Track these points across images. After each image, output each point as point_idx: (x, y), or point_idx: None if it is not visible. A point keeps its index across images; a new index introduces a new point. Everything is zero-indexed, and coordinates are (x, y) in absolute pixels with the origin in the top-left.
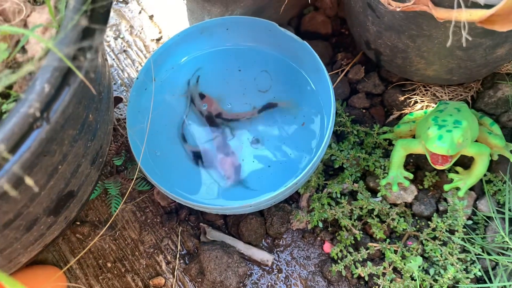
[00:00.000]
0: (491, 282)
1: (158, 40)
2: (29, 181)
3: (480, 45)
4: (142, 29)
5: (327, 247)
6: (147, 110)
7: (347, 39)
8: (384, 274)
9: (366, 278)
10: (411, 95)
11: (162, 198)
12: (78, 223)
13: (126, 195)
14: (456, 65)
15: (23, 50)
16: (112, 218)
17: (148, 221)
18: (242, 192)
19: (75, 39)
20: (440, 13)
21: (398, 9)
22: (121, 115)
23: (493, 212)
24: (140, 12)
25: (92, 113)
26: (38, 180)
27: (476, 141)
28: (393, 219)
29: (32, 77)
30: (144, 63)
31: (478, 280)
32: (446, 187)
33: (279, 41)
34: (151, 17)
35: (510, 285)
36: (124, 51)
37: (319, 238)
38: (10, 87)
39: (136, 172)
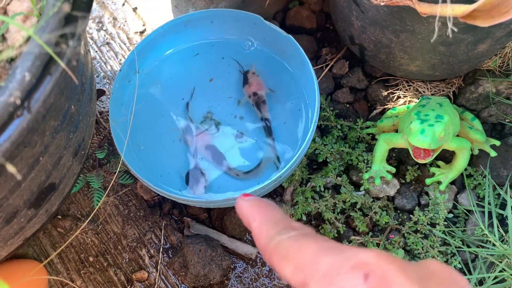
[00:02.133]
0: (470, 274)
1: (141, 32)
2: (11, 168)
3: (462, 41)
4: (125, 21)
5: None
6: (130, 103)
7: (332, 34)
8: None
9: None
10: (394, 90)
11: (145, 191)
12: (60, 217)
13: (109, 188)
14: (439, 61)
15: (3, 38)
16: (94, 212)
17: (131, 215)
18: (226, 185)
19: (56, 26)
20: (424, 8)
21: (382, 4)
22: (104, 108)
23: (473, 206)
24: (123, 4)
25: (74, 104)
26: (19, 171)
27: (458, 135)
28: (375, 213)
29: (12, 66)
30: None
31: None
32: (428, 181)
33: (264, 35)
34: (134, 9)
35: (489, 277)
36: (107, 43)
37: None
38: None
39: (119, 166)
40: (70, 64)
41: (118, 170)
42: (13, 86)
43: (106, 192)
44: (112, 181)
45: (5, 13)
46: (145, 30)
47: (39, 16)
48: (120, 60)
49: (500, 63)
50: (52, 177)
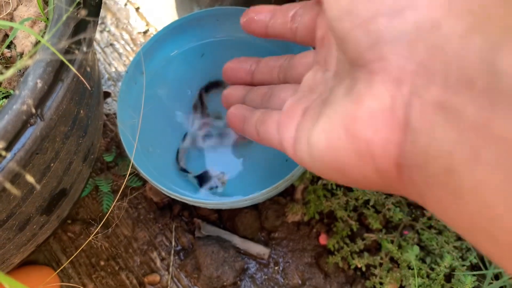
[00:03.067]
0: (486, 269)
1: (145, 32)
2: (29, 178)
3: None
4: (128, 21)
5: (323, 238)
6: (137, 104)
7: None
8: (381, 264)
9: (363, 269)
10: None
11: (154, 194)
12: (69, 221)
13: (120, 192)
14: None
15: (11, 45)
16: (106, 216)
17: (141, 217)
18: (238, 186)
19: (67, 32)
20: None
21: None
22: (110, 110)
23: None
24: (126, 4)
25: (83, 108)
26: (31, 178)
27: None
28: (388, 209)
29: (22, 73)
30: (133, 56)
31: (473, 267)
32: None
33: None
34: (137, 9)
35: (505, 272)
36: (111, 44)
37: (314, 230)
38: None
39: (129, 168)
40: (81, 70)
41: (128, 172)
42: (25, 94)
43: (117, 197)
44: (123, 185)
45: (11, 19)
46: (148, 30)
47: (47, 21)
48: (125, 61)
49: None
50: (63, 183)
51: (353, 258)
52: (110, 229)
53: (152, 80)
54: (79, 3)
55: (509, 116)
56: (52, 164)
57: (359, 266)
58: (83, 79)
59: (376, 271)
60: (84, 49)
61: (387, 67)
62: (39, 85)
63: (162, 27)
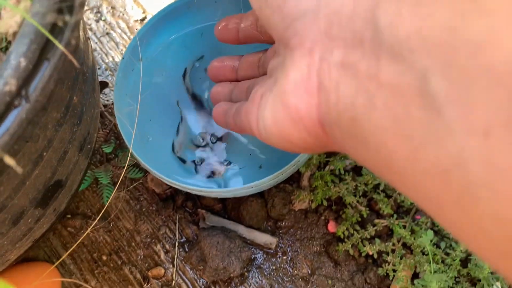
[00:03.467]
0: None
1: (142, 20)
2: (8, 160)
3: None
4: (124, 9)
5: (331, 226)
6: (135, 92)
7: None
8: (393, 250)
9: (375, 256)
10: None
11: (156, 185)
12: (69, 216)
13: (118, 183)
14: None
15: None
16: (105, 208)
17: (143, 209)
18: (242, 173)
19: (53, 7)
20: None
21: None
22: (108, 101)
23: None
24: None
25: (77, 95)
26: (22, 168)
27: None
28: (399, 193)
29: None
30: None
31: None
32: None
33: None
34: None
35: None
36: (107, 33)
37: (322, 218)
38: None
39: (128, 159)
40: (69, 49)
41: (127, 164)
42: (8, 73)
43: (116, 187)
44: (122, 176)
45: None
46: (145, 17)
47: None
48: (121, 50)
49: None
50: (58, 174)
51: (364, 245)
52: (110, 222)
53: (150, 66)
54: None
55: (391, 64)
56: (44, 153)
57: (370, 253)
58: (71, 56)
59: (389, 258)
60: (73, 25)
61: (301, 41)
62: (23, 63)
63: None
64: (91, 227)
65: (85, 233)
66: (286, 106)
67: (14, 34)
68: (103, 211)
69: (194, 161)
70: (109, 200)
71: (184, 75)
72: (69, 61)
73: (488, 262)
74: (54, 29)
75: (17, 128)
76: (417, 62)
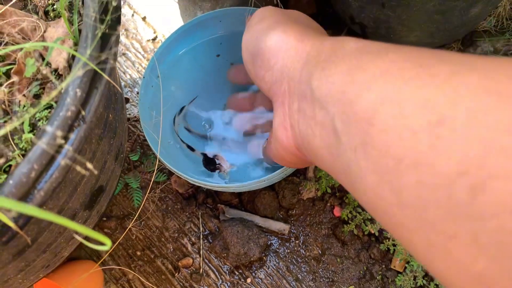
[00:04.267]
0: None
1: (153, 39)
2: (89, 165)
3: (455, 8)
4: (137, 31)
5: (337, 211)
6: (154, 104)
7: (332, 17)
8: None
9: (377, 234)
10: None
11: (179, 185)
12: (105, 218)
13: (150, 186)
14: (436, 29)
15: (47, 63)
16: (139, 210)
17: (169, 208)
18: (253, 167)
19: (97, 46)
20: None
21: None
22: (129, 114)
23: None
24: (132, 15)
25: (111, 112)
26: (75, 176)
27: None
28: None
29: (53, 87)
30: (144, 62)
31: None
32: None
33: None
34: (143, 18)
35: None
36: (123, 54)
37: (328, 204)
38: (37, 96)
39: (156, 164)
40: (111, 77)
41: (155, 168)
42: (68, 102)
43: (148, 191)
44: (152, 180)
45: (43, 40)
46: (156, 37)
47: (74, 39)
48: (138, 68)
49: (495, 23)
50: (100, 180)
51: (366, 225)
52: (141, 222)
53: (164, 80)
54: (102, 20)
55: (319, 110)
56: (91, 163)
57: (372, 231)
58: (115, 85)
59: (389, 234)
60: (112, 58)
61: (277, 97)
62: (79, 93)
63: (169, 32)
64: (132, 223)
65: (126, 230)
66: (276, 138)
67: (64, 68)
68: (138, 212)
69: (204, 157)
70: (143, 202)
71: (179, 114)
72: (108, 86)
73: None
74: (99, 62)
75: (78, 144)
76: (330, 110)
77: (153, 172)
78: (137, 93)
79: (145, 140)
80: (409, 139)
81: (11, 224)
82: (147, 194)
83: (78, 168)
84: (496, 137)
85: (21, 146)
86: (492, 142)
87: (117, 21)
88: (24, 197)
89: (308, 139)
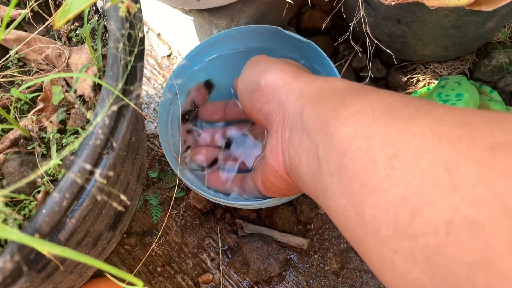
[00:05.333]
0: None
1: (168, 56)
2: (123, 197)
3: (470, 23)
4: (152, 47)
5: None
6: (172, 122)
7: (346, 31)
8: None
9: None
10: (412, 75)
11: (197, 201)
12: (125, 235)
13: (171, 204)
14: (451, 43)
15: (70, 89)
16: (163, 227)
17: (188, 224)
18: None
19: (122, 74)
20: (432, 2)
21: (393, 3)
22: (147, 131)
23: None
24: (147, 32)
25: (134, 134)
26: (101, 201)
27: (478, 109)
28: None
29: (78, 112)
30: (160, 79)
31: None
32: None
33: (286, 42)
34: (158, 35)
35: None
36: None
37: None
38: (63, 122)
39: (177, 181)
40: (137, 104)
41: (176, 184)
42: (97, 131)
43: (170, 207)
44: (173, 197)
45: (67, 66)
46: (171, 53)
47: (98, 65)
48: (153, 84)
49: (509, 34)
50: (123, 201)
51: None
52: (161, 238)
53: (181, 98)
54: (127, 51)
55: (306, 139)
56: (115, 186)
57: None
58: (141, 111)
59: None
60: (137, 87)
61: (272, 127)
62: (107, 122)
63: (183, 48)
64: (155, 242)
65: (151, 248)
66: (267, 163)
67: (89, 94)
68: (161, 229)
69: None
70: (165, 220)
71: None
72: (134, 111)
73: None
74: (125, 91)
75: (107, 171)
76: (314, 139)
77: (172, 188)
78: (154, 109)
79: (163, 156)
80: (372, 168)
81: (45, 253)
82: (169, 211)
83: (112, 202)
84: (432, 171)
85: (49, 172)
86: (428, 175)
87: (142, 52)
88: (56, 225)
89: (295, 164)
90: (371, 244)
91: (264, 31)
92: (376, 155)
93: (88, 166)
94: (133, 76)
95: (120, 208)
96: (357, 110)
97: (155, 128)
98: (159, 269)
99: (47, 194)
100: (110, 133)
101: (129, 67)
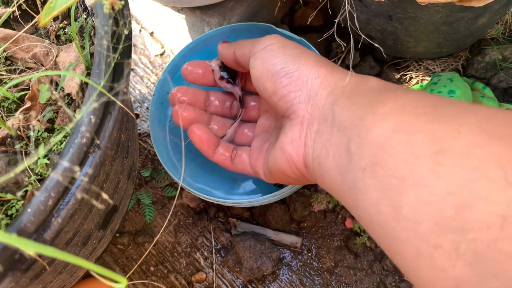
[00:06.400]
0: None
1: (161, 54)
2: (104, 196)
3: (462, 19)
4: (145, 46)
5: (348, 223)
6: (165, 120)
7: (338, 28)
8: None
9: None
10: (405, 72)
11: (190, 200)
12: (118, 235)
13: (173, 205)
14: (443, 39)
15: (57, 87)
16: (164, 226)
17: (181, 223)
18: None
19: (109, 71)
20: None
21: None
22: (139, 130)
23: None
24: (140, 31)
25: (123, 133)
26: (88, 200)
27: None
28: None
29: (66, 112)
30: (153, 77)
31: None
32: None
33: None
34: (151, 33)
35: None
36: (132, 69)
37: (340, 216)
38: (51, 121)
39: (181, 181)
40: (124, 102)
41: (163, 185)
42: (83, 129)
43: (173, 207)
44: (175, 199)
45: (55, 64)
46: (164, 52)
47: (86, 63)
48: (146, 83)
49: (502, 30)
50: (114, 200)
51: None
52: (154, 237)
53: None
54: (114, 49)
55: (337, 133)
56: (104, 185)
57: None
58: (128, 110)
59: None
60: (124, 84)
61: (296, 115)
62: (93, 120)
63: (176, 47)
64: (151, 246)
65: (148, 249)
66: (284, 152)
67: (76, 92)
68: (162, 228)
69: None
70: (168, 218)
71: None
72: (121, 110)
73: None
74: (112, 88)
75: (93, 171)
76: (346, 133)
77: (165, 187)
78: (147, 108)
79: (155, 155)
80: (413, 162)
81: (31, 253)
82: (170, 213)
83: (93, 200)
84: (483, 166)
85: (36, 171)
86: (480, 170)
87: (129, 49)
88: (42, 225)
89: (320, 158)
90: (406, 238)
91: (255, 28)
92: (419, 150)
93: (73, 166)
94: (119, 73)
95: (101, 207)
96: (397, 106)
97: (148, 127)
98: (152, 268)
99: (33, 193)
100: (95, 131)
101: (113, 64)
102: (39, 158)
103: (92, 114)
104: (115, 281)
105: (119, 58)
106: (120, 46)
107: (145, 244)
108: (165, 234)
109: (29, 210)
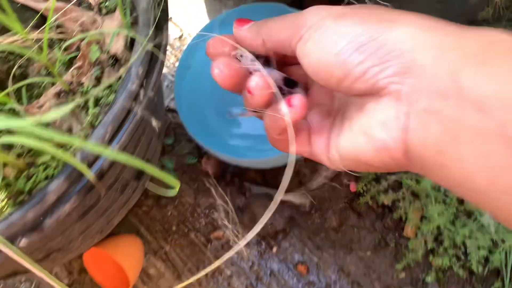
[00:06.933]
0: None
1: (180, 37)
2: (155, 123)
3: None
4: None
5: (353, 186)
6: (187, 94)
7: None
8: (403, 198)
9: (390, 205)
10: None
11: (209, 166)
12: (143, 198)
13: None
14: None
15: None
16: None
17: (200, 188)
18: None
19: (151, 31)
20: None
21: None
22: None
23: None
24: None
25: (156, 95)
26: (128, 150)
27: None
28: None
29: (111, 70)
30: (172, 59)
31: None
32: None
33: None
34: (170, 18)
35: None
36: None
37: (345, 180)
38: (98, 78)
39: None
40: (164, 55)
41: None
42: (133, 78)
43: (184, 172)
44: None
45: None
46: (182, 35)
47: (128, 30)
48: (166, 63)
49: (492, 12)
50: (147, 154)
51: (380, 196)
52: (175, 200)
53: (197, 71)
54: (154, 10)
55: (473, 113)
56: (141, 137)
57: (386, 203)
58: (162, 56)
59: (400, 204)
60: (164, 42)
61: (389, 92)
62: (140, 71)
63: (194, 30)
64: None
65: (170, 210)
66: (370, 137)
67: (121, 53)
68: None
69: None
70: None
71: None
72: (161, 65)
73: None
74: (155, 46)
75: (144, 108)
76: (496, 114)
77: (185, 154)
78: (166, 86)
79: (177, 127)
80: None
81: (91, 175)
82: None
83: (152, 119)
84: None
85: (87, 121)
86: None
87: (165, 11)
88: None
89: (441, 146)
90: None
91: (269, 9)
92: None
93: (129, 101)
94: (160, 30)
95: (155, 124)
96: None
97: (169, 102)
98: (174, 227)
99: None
100: (142, 83)
101: (156, 20)
102: (90, 108)
103: (140, 65)
104: (170, 187)
105: (159, 15)
106: (161, 5)
107: (167, 206)
108: (186, 197)
109: (110, 117)
